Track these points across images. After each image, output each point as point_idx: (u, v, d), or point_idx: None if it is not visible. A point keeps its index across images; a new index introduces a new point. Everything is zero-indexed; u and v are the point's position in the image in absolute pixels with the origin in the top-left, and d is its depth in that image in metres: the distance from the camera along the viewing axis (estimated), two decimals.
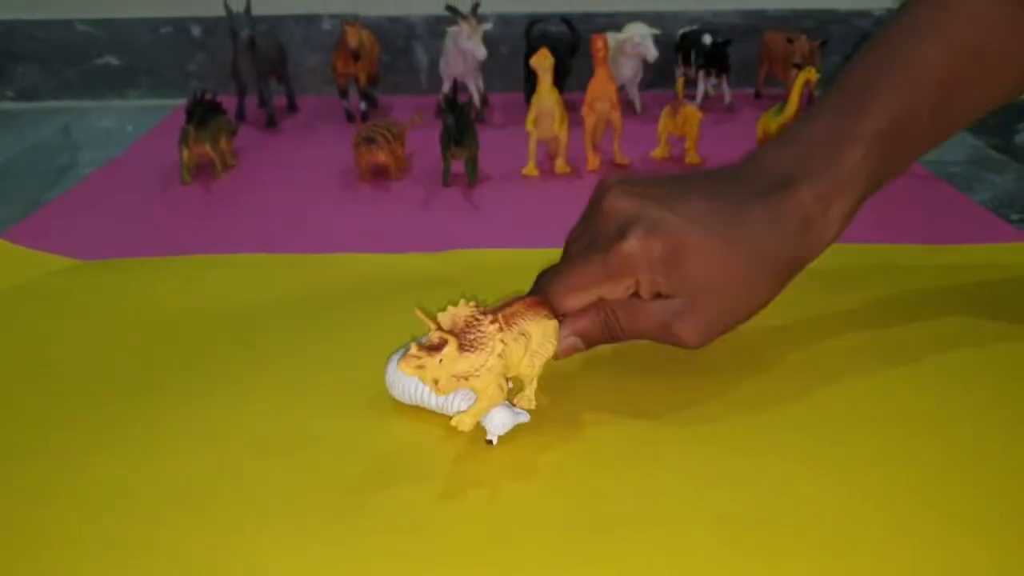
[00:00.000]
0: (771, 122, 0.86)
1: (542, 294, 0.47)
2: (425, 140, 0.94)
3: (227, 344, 0.55)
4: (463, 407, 0.44)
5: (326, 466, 0.43)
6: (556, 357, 0.46)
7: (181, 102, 1.17)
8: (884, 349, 0.53)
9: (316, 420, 0.47)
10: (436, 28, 1.19)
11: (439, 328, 0.40)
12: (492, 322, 0.42)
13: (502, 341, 0.42)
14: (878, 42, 0.50)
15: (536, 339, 0.44)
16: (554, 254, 0.69)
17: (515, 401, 0.46)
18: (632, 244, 0.45)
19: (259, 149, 0.99)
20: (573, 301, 0.46)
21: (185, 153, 0.86)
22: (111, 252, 0.70)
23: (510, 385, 0.45)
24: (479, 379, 0.41)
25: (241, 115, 1.08)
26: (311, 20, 1.21)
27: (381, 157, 0.85)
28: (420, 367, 0.40)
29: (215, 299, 0.61)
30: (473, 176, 0.86)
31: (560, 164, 0.89)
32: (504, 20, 1.20)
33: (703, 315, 0.46)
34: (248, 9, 1.02)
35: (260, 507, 0.40)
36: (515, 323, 0.43)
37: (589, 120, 0.88)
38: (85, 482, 0.42)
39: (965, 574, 0.36)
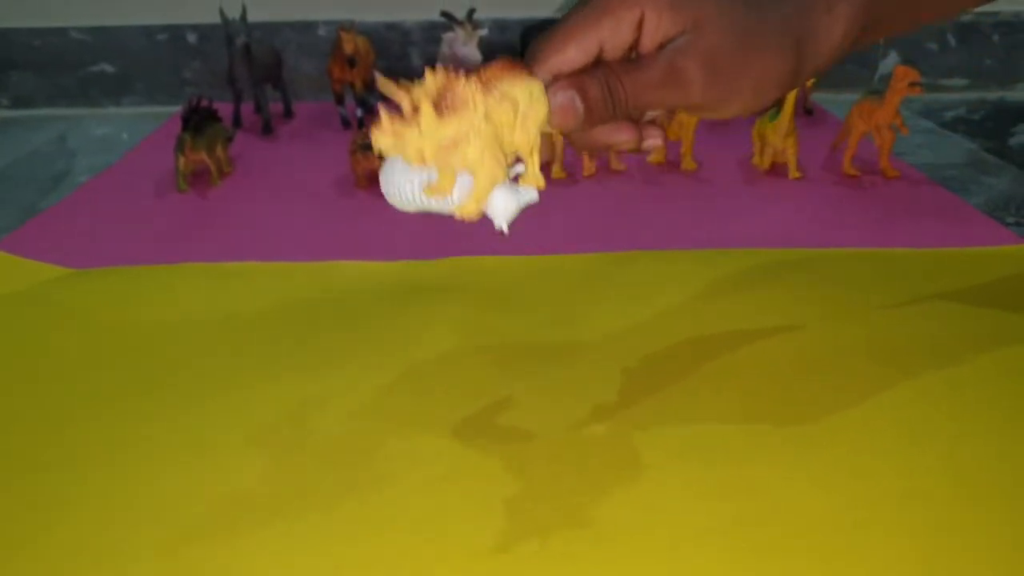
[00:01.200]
0: (765, 128, 0.87)
1: (533, 56, 0.40)
2: None
3: (223, 353, 0.55)
4: (464, 198, 0.38)
5: (321, 474, 0.43)
6: (553, 122, 0.39)
7: (177, 109, 1.17)
8: (880, 354, 0.53)
9: (313, 427, 0.47)
10: (432, 34, 1.19)
11: (407, 93, 0.36)
12: (469, 82, 0.37)
13: (483, 104, 0.37)
14: None
15: (523, 101, 0.38)
16: (550, 260, 0.70)
17: (521, 181, 0.40)
18: None
19: (255, 156, 0.99)
20: (569, 50, 0.40)
21: (181, 161, 0.86)
22: (107, 260, 0.70)
23: (513, 166, 0.39)
24: (469, 145, 0.36)
25: (237, 122, 1.08)
26: (307, 26, 1.21)
27: (377, 163, 0.85)
28: (397, 135, 0.36)
29: (211, 308, 0.61)
30: None
31: (556, 169, 0.89)
32: (499, 26, 1.20)
33: (710, 52, 0.40)
34: (244, 16, 1.02)
35: (256, 515, 0.40)
36: (495, 87, 0.37)
37: None
38: (79, 491, 0.42)
39: None
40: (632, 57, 0.41)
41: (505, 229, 0.39)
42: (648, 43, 0.41)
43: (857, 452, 0.44)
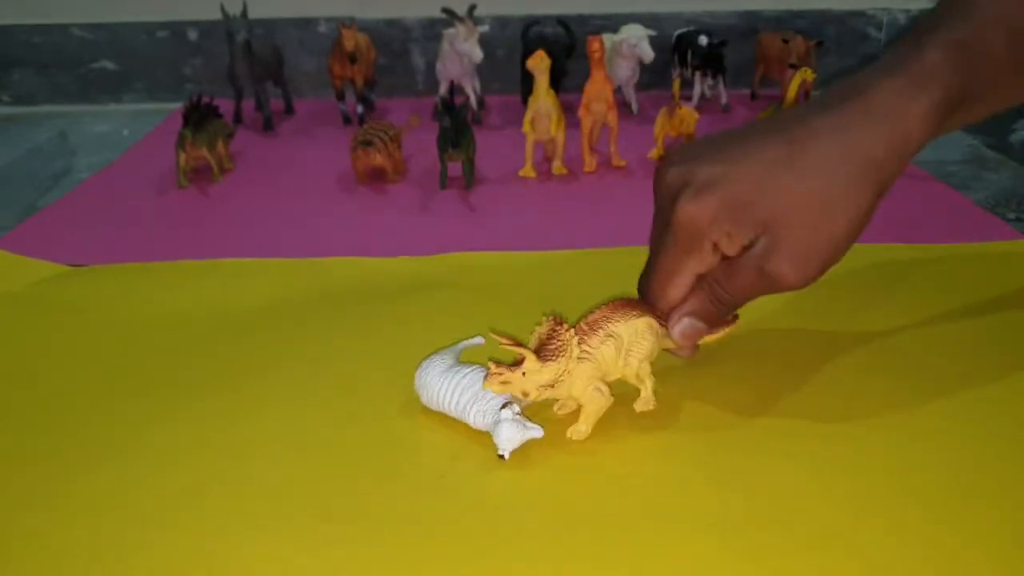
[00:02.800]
0: None
1: (640, 299, 0.47)
2: (422, 142, 0.94)
3: (223, 350, 0.55)
4: (479, 422, 0.44)
5: (322, 472, 0.43)
6: (681, 345, 0.46)
7: (178, 106, 1.17)
8: (880, 350, 0.53)
9: (313, 427, 0.47)
10: (432, 31, 1.19)
11: (516, 345, 0.42)
12: (569, 330, 0.43)
13: (585, 349, 0.43)
14: None
15: (627, 337, 0.44)
16: (552, 256, 0.70)
17: (634, 405, 0.47)
18: (685, 209, 0.43)
19: (256, 152, 0.99)
20: (672, 291, 0.46)
21: (182, 157, 0.86)
22: (108, 257, 0.70)
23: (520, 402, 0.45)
24: (565, 385, 0.43)
25: (238, 118, 1.08)
26: (307, 23, 1.21)
27: (378, 160, 0.85)
28: (506, 383, 0.42)
29: (212, 305, 0.61)
30: (470, 178, 0.86)
31: (557, 166, 0.89)
32: (500, 22, 1.20)
33: (792, 245, 0.42)
34: (244, 12, 1.02)
35: (255, 513, 0.40)
36: (599, 328, 0.44)
37: (586, 122, 0.88)
38: (77, 488, 0.42)
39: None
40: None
41: (506, 456, 0.43)
42: (731, 250, 0.44)
43: (852, 448, 0.44)
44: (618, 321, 0.44)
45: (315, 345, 0.55)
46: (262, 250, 0.71)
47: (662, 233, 0.45)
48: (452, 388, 0.45)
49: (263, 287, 0.63)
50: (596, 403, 0.44)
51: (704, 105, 1.11)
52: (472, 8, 1.02)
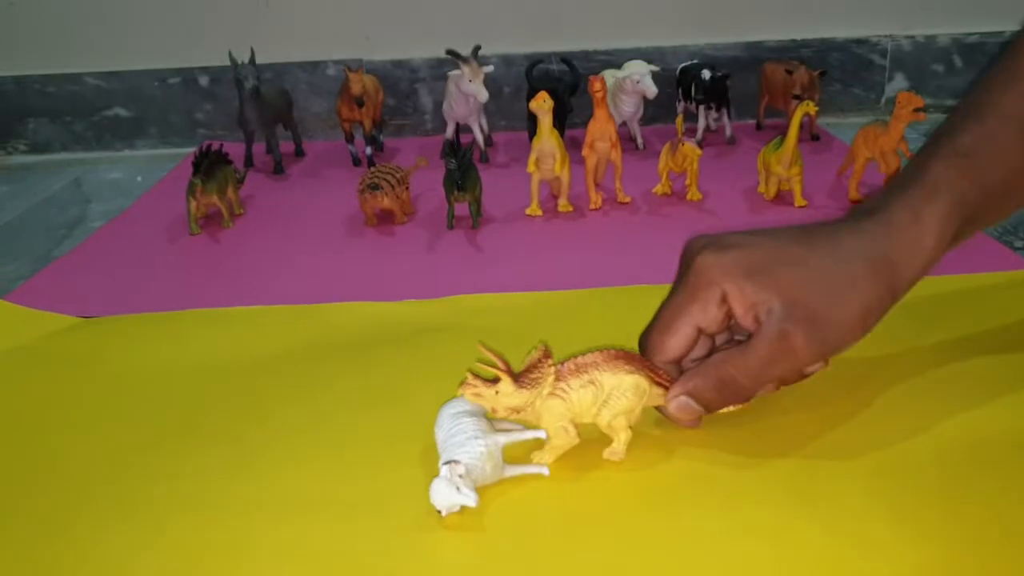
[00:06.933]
0: (770, 155, 0.87)
1: (642, 351, 0.47)
2: (431, 180, 0.95)
3: (234, 402, 0.55)
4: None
5: (327, 530, 0.43)
6: (674, 421, 0.47)
7: (190, 150, 1.19)
8: (885, 384, 0.53)
9: (322, 481, 0.47)
10: (439, 71, 1.21)
11: (499, 363, 0.43)
12: (552, 365, 0.44)
13: (561, 387, 0.44)
14: (959, 106, 0.50)
15: (608, 388, 0.45)
16: (555, 296, 0.70)
17: (604, 454, 0.46)
18: (706, 257, 0.45)
19: (267, 196, 1.00)
20: (671, 340, 0.46)
21: (192, 205, 0.87)
22: (121, 307, 0.71)
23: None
24: (533, 414, 0.45)
25: (249, 162, 1.09)
26: (316, 66, 1.23)
27: (385, 203, 0.86)
28: (478, 395, 0.44)
29: (222, 356, 0.61)
30: (477, 218, 0.86)
31: (563, 203, 0.89)
32: (505, 60, 1.21)
33: (806, 314, 0.43)
34: (252, 60, 1.03)
35: (268, 570, 0.40)
36: (584, 372, 0.45)
37: (590, 160, 0.89)
38: (84, 543, 0.42)
39: None
40: (731, 328, 0.47)
41: (443, 513, 0.43)
42: (741, 312, 0.44)
43: (863, 489, 0.44)
44: (605, 370, 0.45)
45: (324, 394, 0.55)
46: (272, 295, 0.72)
47: (674, 290, 0.46)
48: (444, 431, 0.45)
49: (273, 336, 0.64)
50: (559, 439, 0.45)
51: (709, 137, 1.12)
52: (477, 49, 1.03)
